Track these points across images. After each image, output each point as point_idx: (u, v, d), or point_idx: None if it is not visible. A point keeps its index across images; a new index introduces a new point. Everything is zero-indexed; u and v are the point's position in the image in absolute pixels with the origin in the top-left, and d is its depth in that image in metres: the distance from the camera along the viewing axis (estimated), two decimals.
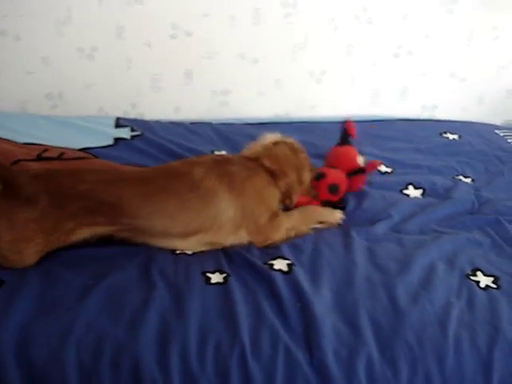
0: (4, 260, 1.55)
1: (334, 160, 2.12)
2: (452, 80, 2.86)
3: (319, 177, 2.00)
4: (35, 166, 2.09)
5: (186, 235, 1.71)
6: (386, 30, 2.71)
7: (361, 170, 2.06)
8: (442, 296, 1.58)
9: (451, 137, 2.63)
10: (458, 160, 2.44)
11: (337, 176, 2.02)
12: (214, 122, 2.59)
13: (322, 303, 1.51)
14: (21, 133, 2.31)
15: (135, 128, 2.43)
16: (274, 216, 1.80)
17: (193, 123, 2.58)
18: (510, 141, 2.63)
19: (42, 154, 2.19)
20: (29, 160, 2.12)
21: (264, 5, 2.58)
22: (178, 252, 1.71)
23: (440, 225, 1.98)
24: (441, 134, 2.64)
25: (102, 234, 1.66)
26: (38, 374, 1.29)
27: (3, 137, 2.27)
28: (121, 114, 2.60)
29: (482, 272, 1.71)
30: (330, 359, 1.35)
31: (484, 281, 1.67)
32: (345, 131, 2.15)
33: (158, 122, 2.55)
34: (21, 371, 1.29)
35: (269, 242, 1.76)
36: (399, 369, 1.36)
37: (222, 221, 1.72)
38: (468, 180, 2.29)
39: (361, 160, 2.09)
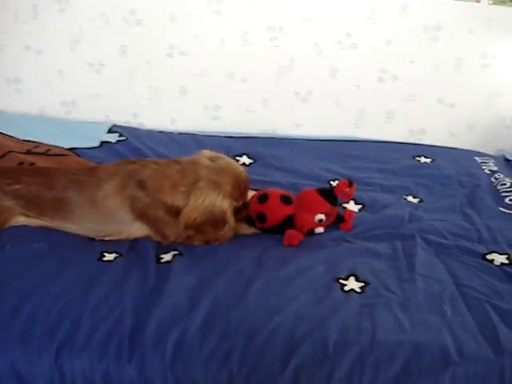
0: None
1: (301, 202, 2.06)
2: (440, 106, 2.89)
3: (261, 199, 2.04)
4: (22, 157, 2.47)
5: (97, 236, 1.96)
6: (369, 55, 2.82)
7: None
8: (293, 292, 1.68)
9: (423, 160, 2.67)
10: (416, 181, 2.49)
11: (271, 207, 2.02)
12: (200, 134, 2.84)
13: (179, 285, 1.69)
14: (25, 132, 2.69)
15: (124, 134, 2.74)
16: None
17: (180, 133, 2.84)
18: (484, 168, 2.62)
19: (33, 149, 2.55)
20: (19, 152, 2.51)
21: (251, 29, 2.80)
22: None
23: (354, 237, 2.06)
24: (414, 157, 2.69)
25: (36, 225, 1.97)
26: None
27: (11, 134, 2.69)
28: (123, 123, 2.92)
29: (357, 277, 1.78)
30: (150, 325, 1.52)
31: (352, 285, 1.74)
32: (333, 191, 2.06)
33: (148, 131, 2.84)
34: None
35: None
36: (208, 339, 1.50)
37: (130, 231, 1.95)
38: (415, 200, 2.34)
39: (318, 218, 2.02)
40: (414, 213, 2.21)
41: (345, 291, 1.72)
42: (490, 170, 2.60)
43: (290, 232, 1.98)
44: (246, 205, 2.00)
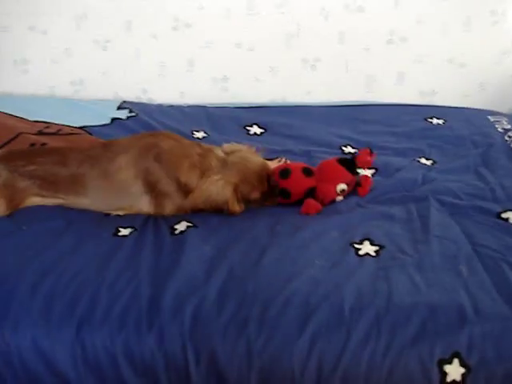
0: None
1: (322, 173, 2.07)
2: (451, 66, 2.84)
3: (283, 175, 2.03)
4: (34, 138, 2.49)
5: (110, 210, 1.98)
6: (377, 18, 2.78)
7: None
8: (308, 258, 1.69)
9: (435, 121, 2.65)
10: (429, 143, 2.47)
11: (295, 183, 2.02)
12: (209, 106, 2.83)
13: (194, 256, 1.70)
14: (35, 113, 2.70)
15: (133, 110, 2.74)
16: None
17: (190, 106, 2.84)
18: (497, 126, 2.59)
19: (44, 129, 2.57)
20: (30, 134, 2.52)
21: None
22: None
23: (368, 201, 2.06)
24: (426, 119, 2.67)
25: (51, 204, 2.00)
26: None
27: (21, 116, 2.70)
28: (133, 99, 2.92)
29: (371, 241, 1.77)
30: (167, 296, 1.54)
31: (366, 249, 1.74)
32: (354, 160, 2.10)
33: (158, 106, 2.84)
34: None
35: None
36: (225, 308, 1.51)
37: (139, 206, 1.97)
38: (429, 162, 2.33)
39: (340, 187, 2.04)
40: (427, 175, 2.20)
41: (360, 255, 1.72)
42: (503, 129, 2.56)
43: (309, 201, 1.98)
44: (273, 191, 2.00)
